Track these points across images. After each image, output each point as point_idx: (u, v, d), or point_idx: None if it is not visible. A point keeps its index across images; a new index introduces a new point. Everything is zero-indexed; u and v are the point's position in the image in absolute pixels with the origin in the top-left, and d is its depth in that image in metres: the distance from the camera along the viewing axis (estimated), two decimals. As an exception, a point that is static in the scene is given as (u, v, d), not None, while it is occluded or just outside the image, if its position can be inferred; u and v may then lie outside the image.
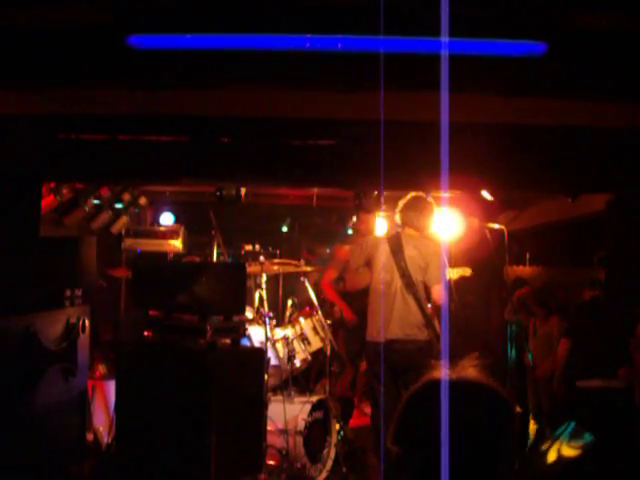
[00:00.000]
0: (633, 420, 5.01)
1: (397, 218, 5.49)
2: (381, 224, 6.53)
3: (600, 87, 3.44)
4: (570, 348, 5.63)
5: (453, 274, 5.72)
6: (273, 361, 5.56)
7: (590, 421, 5.00)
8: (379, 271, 5.38)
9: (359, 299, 6.55)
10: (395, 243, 5.38)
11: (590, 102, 3.69)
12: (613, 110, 3.83)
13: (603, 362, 5.35)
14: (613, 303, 5.56)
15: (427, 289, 5.36)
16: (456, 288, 5.69)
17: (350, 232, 8.90)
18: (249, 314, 5.77)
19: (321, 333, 6.02)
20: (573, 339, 5.69)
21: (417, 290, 5.27)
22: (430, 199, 5.46)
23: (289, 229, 8.64)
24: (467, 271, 5.96)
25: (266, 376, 5.01)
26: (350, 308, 6.70)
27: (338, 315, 7.01)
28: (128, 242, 7.69)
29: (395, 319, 5.25)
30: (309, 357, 5.92)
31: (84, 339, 4.63)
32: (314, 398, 5.58)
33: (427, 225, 5.45)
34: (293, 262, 6.36)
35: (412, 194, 5.42)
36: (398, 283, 5.29)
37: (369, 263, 5.51)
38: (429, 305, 5.41)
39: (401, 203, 5.46)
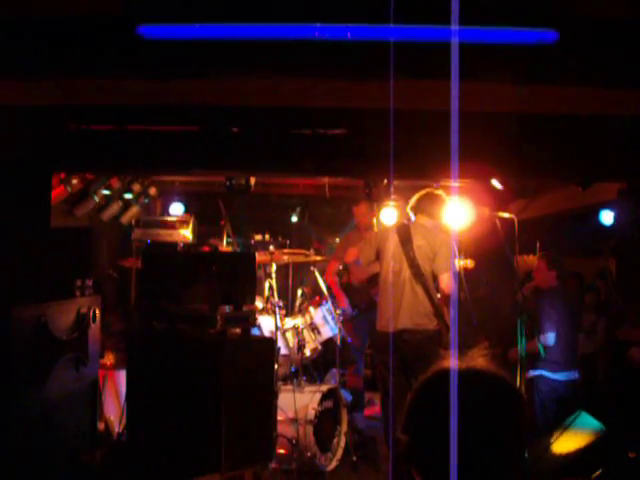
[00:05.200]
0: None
1: (410, 207, 5.51)
2: (390, 214, 6.52)
3: (612, 75, 3.41)
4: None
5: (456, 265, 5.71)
6: (283, 350, 5.58)
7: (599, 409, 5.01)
8: (388, 261, 5.38)
9: (362, 291, 6.58)
10: (404, 233, 5.38)
11: (602, 90, 3.66)
12: (625, 98, 3.79)
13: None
14: (623, 292, 5.53)
15: (435, 278, 5.37)
16: (466, 278, 5.68)
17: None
18: (259, 304, 5.79)
19: (331, 323, 6.03)
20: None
21: (426, 280, 5.28)
22: (443, 194, 5.48)
23: (299, 219, 8.62)
24: (469, 262, 5.95)
25: (276, 365, 5.02)
26: (352, 300, 6.73)
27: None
28: (138, 232, 7.69)
29: (404, 309, 5.25)
30: (319, 346, 5.94)
31: (95, 329, 4.65)
32: (324, 387, 5.59)
33: (440, 214, 5.46)
34: (303, 252, 6.36)
35: (427, 190, 5.46)
36: (407, 273, 5.29)
37: (379, 255, 5.52)
38: (438, 295, 5.42)
39: (416, 195, 5.50)
